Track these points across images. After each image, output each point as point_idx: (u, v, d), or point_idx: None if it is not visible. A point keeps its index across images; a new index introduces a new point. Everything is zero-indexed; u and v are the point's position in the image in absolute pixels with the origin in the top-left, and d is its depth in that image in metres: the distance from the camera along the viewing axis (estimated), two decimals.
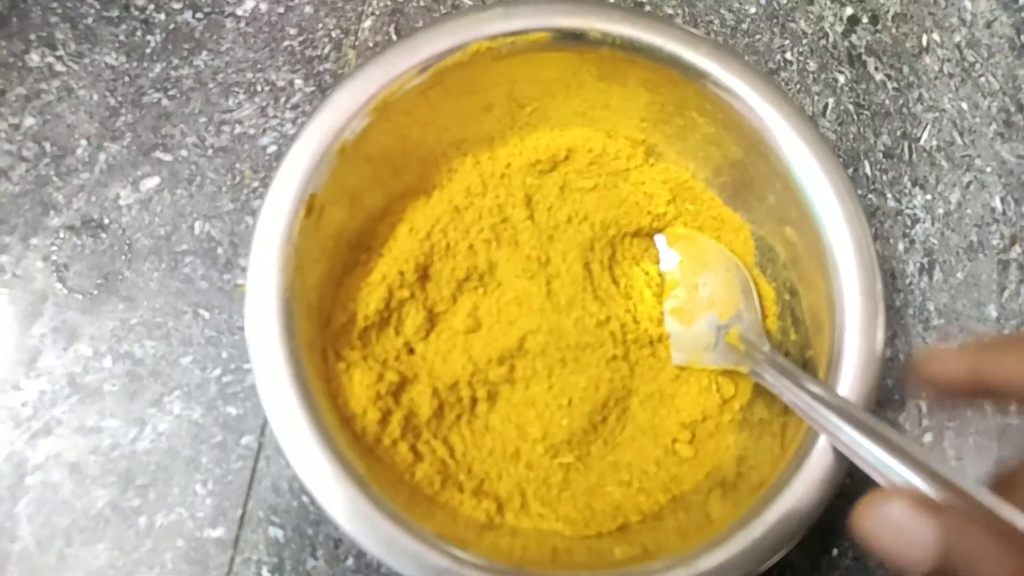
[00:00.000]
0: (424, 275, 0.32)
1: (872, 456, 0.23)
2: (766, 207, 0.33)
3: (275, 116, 0.38)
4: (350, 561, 0.32)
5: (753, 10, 0.42)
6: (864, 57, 0.42)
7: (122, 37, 0.38)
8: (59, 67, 0.37)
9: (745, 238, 0.34)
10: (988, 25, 0.43)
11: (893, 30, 0.43)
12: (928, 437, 0.36)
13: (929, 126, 0.41)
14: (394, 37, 0.40)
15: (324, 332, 0.30)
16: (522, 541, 0.29)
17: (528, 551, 0.29)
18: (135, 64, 0.38)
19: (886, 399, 0.36)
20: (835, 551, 0.34)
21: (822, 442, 0.28)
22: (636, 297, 0.34)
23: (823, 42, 0.42)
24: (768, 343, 0.32)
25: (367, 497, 0.26)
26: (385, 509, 0.26)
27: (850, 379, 0.28)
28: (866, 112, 0.41)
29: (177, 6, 0.39)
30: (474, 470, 0.30)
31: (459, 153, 0.35)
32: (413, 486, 0.29)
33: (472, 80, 0.32)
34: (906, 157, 0.41)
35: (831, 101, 0.41)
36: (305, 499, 0.33)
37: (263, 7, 0.39)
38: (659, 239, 0.36)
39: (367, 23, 0.40)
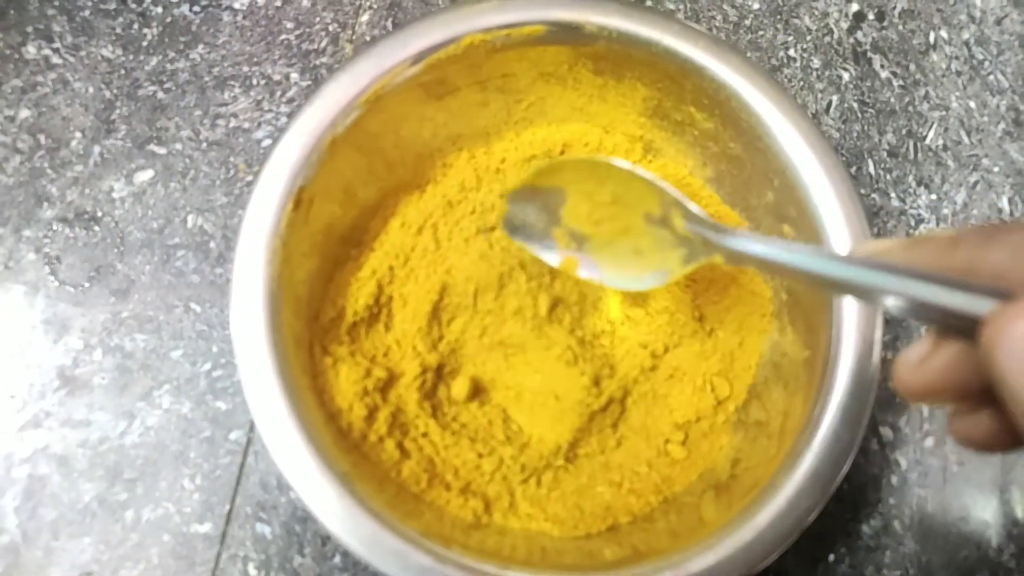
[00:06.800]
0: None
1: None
2: (764, 204, 0.32)
3: (270, 110, 0.38)
4: (337, 559, 0.32)
5: (756, 6, 0.42)
6: (870, 54, 0.41)
7: (119, 30, 0.38)
8: (55, 59, 0.37)
9: None
10: (998, 22, 0.43)
11: (900, 27, 0.42)
12: (929, 442, 0.35)
13: (935, 125, 0.41)
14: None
15: (312, 327, 0.30)
16: (510, 541, 0.29)
17: (516, 551, 0.28)
18: (131, 57, 0.38)
19: (887, 402, 0.36)
20: (831, 557, 0.34)
21: (817, 444, 0.27)
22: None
23: (828, 39, 0.41)
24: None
25: (351, 494, 0.26)
26: (369, 507, 0.26)
27: (847, 380, 0.28)
28: (871, 110, 0.40)
29: None
30: (461, 469, 0.30)
31: (454, 148, 0.34)
32: (399, 484, 0.29)
33: (467, 74, 0.32)
34: (911, 156, 0.40)
35: (835, 98, 0.40)
36: (293, 495, 0.32)
37: (260, 0, 0.39)
38: None
39: (364, 17, 0.39)
